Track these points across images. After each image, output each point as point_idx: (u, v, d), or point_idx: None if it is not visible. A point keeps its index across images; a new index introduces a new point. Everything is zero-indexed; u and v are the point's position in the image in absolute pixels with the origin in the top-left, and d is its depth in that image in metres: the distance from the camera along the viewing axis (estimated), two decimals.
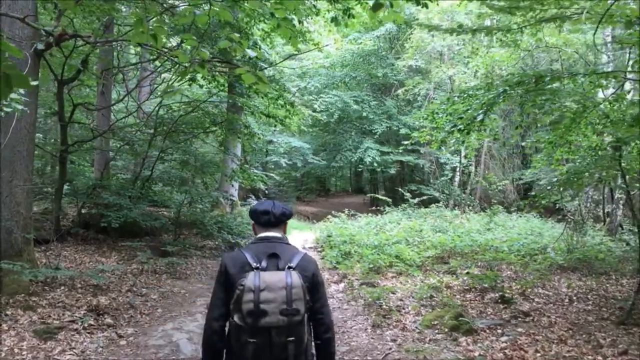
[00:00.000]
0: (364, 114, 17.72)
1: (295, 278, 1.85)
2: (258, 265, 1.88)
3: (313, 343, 2.03)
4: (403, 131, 17.15)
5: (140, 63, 11.21)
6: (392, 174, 20.55)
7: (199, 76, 10.67)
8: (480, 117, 5.49)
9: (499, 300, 6.34)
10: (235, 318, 1.83)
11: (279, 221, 2.08)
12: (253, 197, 14.33)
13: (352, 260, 8.48)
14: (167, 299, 6.12)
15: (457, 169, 17.43)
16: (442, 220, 11.48)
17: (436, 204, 14.24)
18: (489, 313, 5.92)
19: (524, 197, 18.40)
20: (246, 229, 10.34)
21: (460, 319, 5.31)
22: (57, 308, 5.22)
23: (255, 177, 10.76)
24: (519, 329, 5.27)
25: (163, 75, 10.76)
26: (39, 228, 8.09)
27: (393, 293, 6.79)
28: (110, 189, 8.84)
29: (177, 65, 8.60)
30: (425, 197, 14.16)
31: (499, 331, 5.24)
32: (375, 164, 17.29)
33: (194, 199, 9.36)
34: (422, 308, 6.01)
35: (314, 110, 12.10)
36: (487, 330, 5.25)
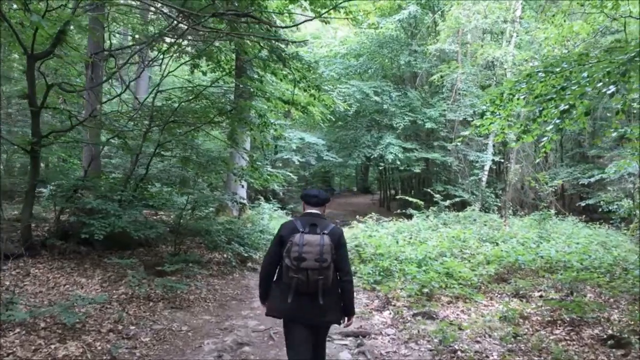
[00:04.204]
0: (385, 107, 16.02)
1: (326, 239, 2.86)
2: (303, 230, 2.90)
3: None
4: (428, 125, 15.46)
5: (135, 45, 9.58)
6: (409, 173, 18.92)
7: (202, 63, 9.08)
8: (610, 90, 3.86)
9: (609, 342, 4.73)
10: (286, 261, 2.84)
11: (322, 203, 3.15)
12: (263, 199, 12.68)
13: (393, 279, 6.87)
14: (163, 343, 4.50)
15: (485, 167, 15.80)
16: (487, 227, 9.84)
17: (469, 206, 12.61)
18: None
19: (560, 198, 16.80)
20: (259, 237, 8.73)
21: None
22: None
23: (269, 177, 9.10)
24: None
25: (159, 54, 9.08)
26: (4, 239, 6.49)
27: (460, 329, 5.19)
28: (97, 190, 7.22)
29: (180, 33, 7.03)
30: (457, 199, 12.52)
31: None
32: (398, 162, 15.61)
33: (198, 202, 7.72)
34: (514, 357, 4.39)
35: (330, 107, 10.46)
36: None
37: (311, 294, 2.81)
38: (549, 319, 5.55)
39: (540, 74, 5.38)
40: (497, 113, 6.21)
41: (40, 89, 6.48)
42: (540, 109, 5.21)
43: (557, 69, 5.13)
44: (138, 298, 5.54)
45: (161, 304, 5.52)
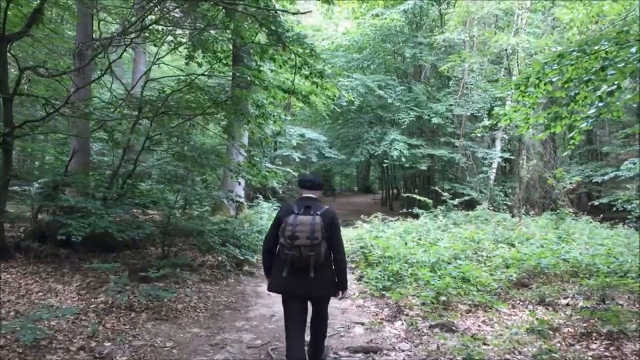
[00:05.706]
0: (389, 101, 15.36)
1: (317, 220, 3.20)
2: (297, 212, 3.25)
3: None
4: (434, 120, 14.82)
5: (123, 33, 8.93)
6: (413, 172, 18.28)
7: (197, 55, 8.43)
8: None
9: None
10: (282, 239, 3.19)
11: (316, 187, 3.49)
12: (262, 198, 12.04)
13: (404, 284, 6.23)
14: None
15: (493, 165, 15.16)
16: (501, 227, 9.20)
17: (479, 205, 11.98)
18: None
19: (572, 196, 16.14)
20: (256, 239, 8.09)
21: None
22: None
23: (267, 173, 8.46)
24: None
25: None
26: None
27: (485, 344, 4.55)
28: (79, 187, 6.58)
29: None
30: (466, 198, 11.89)
31: None
32: (404, 159, 14.96)
33: (189, 200, 7.08)
34: None
35: (334, 97, 9.77)
36: None
37: (303, 269, 3.16)
38: (583, 331, 4.91)
39: (574, 53, 4.75)
40: (521, 101, 5.59)
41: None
42: (576, 92, 4.58)
43: (596, 47, 4.49)
44: (119, 308, 4.91)
45: (144, 314, 4.88)
